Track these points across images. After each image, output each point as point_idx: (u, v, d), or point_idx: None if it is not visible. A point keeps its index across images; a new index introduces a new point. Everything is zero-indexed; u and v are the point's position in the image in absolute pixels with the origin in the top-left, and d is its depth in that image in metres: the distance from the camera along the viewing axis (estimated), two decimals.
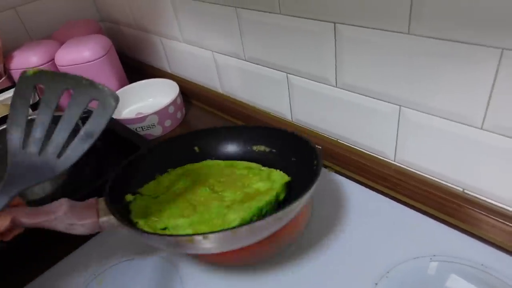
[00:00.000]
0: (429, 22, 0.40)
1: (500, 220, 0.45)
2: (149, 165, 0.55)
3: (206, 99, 0.82)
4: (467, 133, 0.44)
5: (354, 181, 0.57)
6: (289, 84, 0.62)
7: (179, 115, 0.79)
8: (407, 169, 0.53)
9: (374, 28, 0.46)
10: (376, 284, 0.43)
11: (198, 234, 0.38)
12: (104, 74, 0.81)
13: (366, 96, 0.52)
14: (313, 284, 0.45)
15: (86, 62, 0.77)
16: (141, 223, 0.45)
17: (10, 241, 0.40)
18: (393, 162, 0.55)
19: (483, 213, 0.46)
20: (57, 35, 0.90)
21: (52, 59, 0.80)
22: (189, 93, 0.85)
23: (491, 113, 0.41)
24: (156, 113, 0.73)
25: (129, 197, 0.50)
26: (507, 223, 0.45)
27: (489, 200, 0.47)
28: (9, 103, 0.75)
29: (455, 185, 0.49)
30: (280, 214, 0.39)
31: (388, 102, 0.50)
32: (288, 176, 0.52)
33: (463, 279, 0.43)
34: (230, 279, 0.47)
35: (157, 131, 0.76)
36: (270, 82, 0.65)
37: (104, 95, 0.33)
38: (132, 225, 0.45)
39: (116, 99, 0.32)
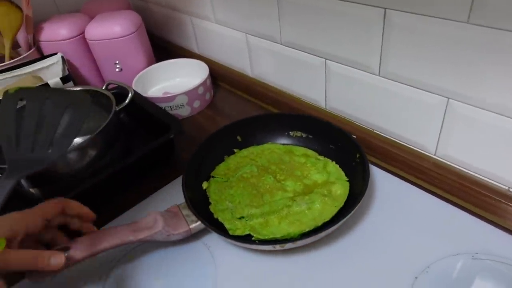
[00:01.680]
0: (492, 12, 0.38)
1: None
2: (218, 148, 0.61)
3: (234, 81, 0.81)
4: None
5: (389, 172, 0.56)
6: (326, 70, 0.61)
7: (207, 96, 0.78)
8: (448, 164, 0.52)
9: (428, 16, 0.44)
10: (416, 278, 0.43)
11: (287, 241, 0.45)
12: (133, 51, 0.80)
13: (411, 86, 0.50)
14: (354, 274, 0.44)
15: (116, 38, 0.76)
16: (221, 216, 0.51)
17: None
18: (432, 156, 0.53)
19: None
20: (86, 9, 0.89)
21: (82, 33, 0.79)
22: (217, 75, 0.84)
23: None
24: (185, 93, 0.72)
25: (205, 184, 0.56)
26: None
27: None
28: (39, 74, 0.74)
29: (500, 183, 0.48)
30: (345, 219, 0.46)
31: (435, 94, 0.48)
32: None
33: (505, 279, 0.42)
34: (263, 260, 0.47)
35: (185, 112, 0.75)
36: (306, 68, 0.64)
37: (78, 98, 0.40)
38: (218, 226, 0.50)
39: (89, 100, 0.40)
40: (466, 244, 0.45)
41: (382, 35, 0.50)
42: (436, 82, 0.47)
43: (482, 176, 0.49)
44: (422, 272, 0.43)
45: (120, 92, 0.67)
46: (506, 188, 0.47)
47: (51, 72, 0.77)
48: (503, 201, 0.47)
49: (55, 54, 0.76)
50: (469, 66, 0.43)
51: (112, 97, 0.61)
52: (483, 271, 0.42)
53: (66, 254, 0.41)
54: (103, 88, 0.66)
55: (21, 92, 0.38)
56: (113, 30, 0.76)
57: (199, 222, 0.48)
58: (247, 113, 0.74)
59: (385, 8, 0.47)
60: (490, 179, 0.49)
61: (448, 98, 0.47)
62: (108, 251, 0.45)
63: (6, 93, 0.37)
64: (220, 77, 0.84)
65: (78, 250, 0.43)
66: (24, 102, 0.38)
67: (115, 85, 0.69)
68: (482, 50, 0.41)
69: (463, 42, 0.42)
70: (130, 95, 0.63)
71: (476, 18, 0.40)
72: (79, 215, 0.43)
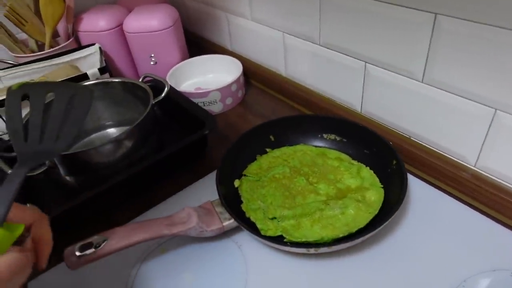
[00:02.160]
0: None
1: None
2: (251, 147, 0.61)
3: (267, 80, 0.81)
4: None
5: (425, 181, 0.55)
6: (365, 74, 0.60)
7: (240, 94, 0.78)
8: (488, 176, 0.51)
9: (480, 23, 0.42)
10: None
11: (322, 245, 0.45)
12: (169, 45, 0.81)
13: (457, 95, 0.49)
14: (385, 284, 0.44)
15: (154, 31, 0.77)
16: (253, 215, 0.51)
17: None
18: (472, 167, 0.52)
19: None
20: (123, 1, 0.90)
21: (119, 25, 0.80)
22: (249, 73, 0.84)
23: None
24: (219, 89, 0.73)
25: (237, 182, 0.56)
26: None
27: None
28: (76, 64, 0.76)
29: None
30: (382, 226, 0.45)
31: (482, 104, 0.47)
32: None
33: None
34: (294, 262, 0.47)
35: (218, 108, 0.75)
36: (344, 70, 0.63)
37: (80, 89, 0.40)
38: (249, 225, 0.50)
39: (91, 91, 0.40)
40: (505, 260, 0.44)
41: (430, 41, 0.48)
42: (483, 92, 0.46)
43: None
44: (458, 286, 0.42)
45: (155, 85, 0.67)
46: None
47: (88, 62, 0.78)
48: None
49: (93, 44, 0.78)
50: None
51: (149, 90, 0.62)
52: None
53: (104, 244, 0.42)
54: (140, 80, 0.66)
55: (24, 87, 0.38)
56: (150, 23, 0.77)
57: (232, 220, 0.48)
58: (279, 112, 0.74)
59: (435, 14, 0.46)
60: None
61: (496, 109, 0.46)
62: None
63: (9, 89, 0.38)
64: (252, 75, 0.84)
65: (115, 240, 0.43)
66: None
67: (150, 78, 0.69)
68: None
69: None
70: (166, 89, 0.64)
71: None
72: (38, 240, 0.33)
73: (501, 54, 0.42)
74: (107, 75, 0.74)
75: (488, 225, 0.48)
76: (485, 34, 0.43)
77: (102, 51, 0.77)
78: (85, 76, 0.69)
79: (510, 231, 0.47)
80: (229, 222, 0.48)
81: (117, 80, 0.66)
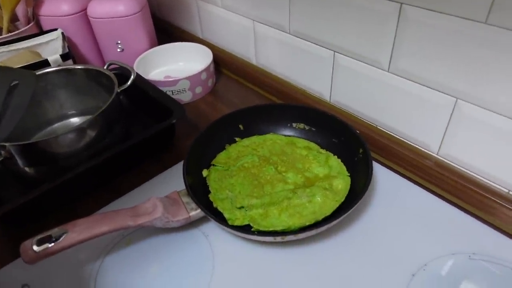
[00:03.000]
0: (511, 13, 0.38)
1: None
2: (220, 136, 0.60)
3: (237, 69, 0.80)
4: None
5: (390, 169, 0.56)
6: (334, 63, 0.60)
7: (210, 83, 0.76)
8: (450, 164, 0.52)
9: (446, 13, 0.43)
10: (413, 275, 0.43)
11: (288, 233, 0.45)
12: (136, 32, 0.78)
13: (420, 84, 0.50)
14: (351, 270, 0.44)
15: (120, 17, 0.74)
16: (221, 205, 0.51)
17: None
18: (435, 155, 0.54)
19: None
20: None
21: (84, 9, 0.77)
22: (220, 61, 0.82)
23: None
24: (188, 78, 0.71)
25: (205, 172, 0.56)
26: None
27: None
28: (37, 50, 0.72)
29: (501, 186, 0.48)
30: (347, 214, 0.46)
31: (444, 93, 0.48)
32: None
33: (501, 279, 0.42)
34: (261, 251, 0.47)
35: (187, 97, 0.74)
36: (314, 59, 0.63)
37: (23, 75, 0.38)
38: (217, 215, 0.49)
39: (35, 77, 0.38)
40: (463, 244, 0.45)
41: (396, 30, 0.49)
42: (446, 82, 0.47)
43: (483, 177, 0.49)
44: (419, 270, 0.43)
45: (121, 73, 0.65)
46: (506, 191, 0.48)
47: (50, 48, 0.75)
48: (503, 203, 0.47)
49: (55, 30, 0.74)
50: (482, 67, 0.43)
51: (114, 77, 0.60)
52: (479, 271, 0.43)
53: (64, 237, 0.41)
54: (105, 68, 0.64)
55: None
56: (116, 8, 0.74)
57: (199, 210, 0.48)
58: (249, 101, 0.74)
59: (401, 3, 0.47)
60: (491, 181, 0.49)
61: (457, 99, 0.47)
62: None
63: None
64: (223, 64, 0.83)
65: (76, 233, 0.42)
66: None
67: (116, 66, 0.67)
68: (498, 52, 0.41)
69: (479, 43, 0.42)
70: (132, 76, 0.62)
71: (494, 19, 0.40)
72: None
73: (464, 44, 0.43)
74: (70, 61, 0.71)
75: (449, 210, 0.50)
76: (449, 25, 0.43)
77: (65, 37, 0.74)
78: (46, 63, 0.65)
79: (470, 216, 0.49)
80: (196, 212, 0.48)
81: (80, 67, 0.63)
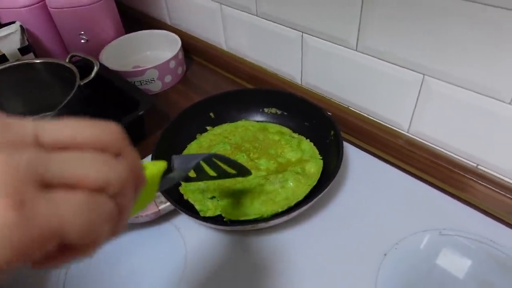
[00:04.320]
0: None
1: (511, 196, 0.45)
2: (190, 125, 0.58)
3: (208, 55, 0.78)
4: (493, 108, 0.42)
5: (363, 150, 0.56)
6: (303, 45, 0.59)
7: (179, 71, 0.74)
8: (420, 141, 0.52)
9: None
10: (385, 254, 0.43)
11: (259, 221, 0.44)
12: (100, 21, 0.75)
13: (388, 62, 0.49)
14: (324, 253, 0.44)
15: (82, 6, 0.71)
16: (191, 197, 0.49)
17: None
18: (405, 133, 0.53)
19: (495, 189, 0.46)
20: None
21: (43, 0, 0.73)
22: (190, 48, 0.80)
23: None
24: (156, 67, 0.69)
25: None
26: None
27: (502, 177, 0.46)
28: None
29: (469, 160, 0.48)
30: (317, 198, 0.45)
31: (412, 70, 0.47)
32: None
33: (472, 253, 0.43)
34: (235, 240, 0.46)
35: (156, 87, 0.71)
36: (283, 41, 0.61)
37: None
38: (188, 208, 0.48)
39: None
40: (434, 220, 0.46)
41: (361, 9, 0.48)
42: (412, 58, 0.46)
43: (453, 153, 0.50)
44: (391, 249, 0.44)
45: (86, 65, 0.63)
46: (475, 165, 0.48)
47: (9, 42, 0.71)
48: (472, 177, 0.47)
49: (13, 22, 0.71)
50: (445, 42, 0.42)
51: (75, 70, 0.57)
52: (450, 246, 0.43)
53: None
54: (66, 60, 0.61)
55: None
56: None
57: (168, 203, 0.47)
58: (222, 88, 0.72)
59: None
60: (459, 156, 0.49)
61: (424, 75, 0.46)
62: None
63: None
64: (193, 51, 0.80)
65: None
66: None
67: (79, 58, 0.64)
68: (459, 25, 0.40)
69: (443, 16, 0.41)
70: (95, 68, 0.59)
71: None
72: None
73: (428, 20, 0.42)
74: (31, 55, 0.68)
75: (421, 188, 0.50)
76: (413, 0, 0.42)
77: (24, 30, 0.70)
78: (3, 58, 0.62)
79: (440, 192, 0.49)
80: (165, 206, 0.47)
81: (39, 61, 0.61)
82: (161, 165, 0.29)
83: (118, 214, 0.18)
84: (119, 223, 0.19)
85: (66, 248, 0.17)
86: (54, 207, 0.15)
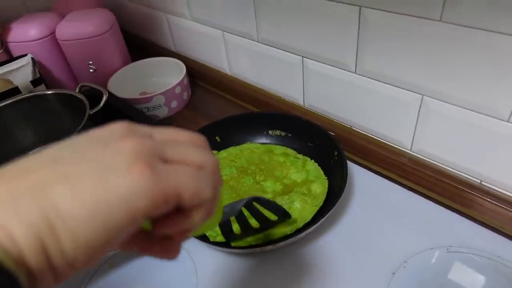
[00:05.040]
0: (463, 10, 0.39)
1: None
2: None
3: (212, 80, 0.80)
4: (492, 125, 0.43)
5: (367, 168, 0.57)
6: (304, 68, 0.60)
7: (185, 96, 0.76)
8: (424, 159, 0.53)
9: (402, 14, 0.44)
10: (394, 273, 0.44)
11: (267, 245, 0.45)
12: (107, 51, 0.78)
13: (387, 83, 0.51)
14: (333, 273, 0.45)
15: (89, 37, 0.74)
16: None
17: None
18: (409, 152, 0.54)
19: (501, 205, 0.47)
20: (56, 8, 0.86)
21: (52, 33, 0.76)
22: (195, 74, 0.83)
23: None
24: (162, 93, 0.71)
25: None
26: None
27: (506, 192, 0.47)
28: (9, 78, 0.71)
29: (473, 177, 0.49)
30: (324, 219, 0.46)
31: (410, 91, 0.49)
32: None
33: (478, 269, 0.43)
34: (244, 262, 0.47)
35: (163, 112, 0.73)
36: (284, 66, 0.63)
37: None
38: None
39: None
40: (441, 237, 0.46)
41: (358, 33, 0.50)
42: (410, 79, 0.48)
43: (456, 170, 0.50)
44: (399, 268, 0.44)
45: (95, 94, 0.65)
46: (479, 181, 0.49)
47: (21, 74, 0.74)
48: (476, 194, 0.48)
49: (25, 55, 0.74)
50: (441, 63, 0.44)
51: (85, 100, 0.59)
52: (457, 263, 0.44)
53: None
54: (76, 91, 0.64)
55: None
56: (85, 29, 0.74)
57: None
58: (227, 112, 0.73)
59: (360, 6, 0.47)
60: (463, 173, 0.50)
61: (422, 95, 0.48)
62: None
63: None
64: (198, 76, 0.83)
65: None
66: None
67: (88, 87, 0.67)
68: (454, 48, 0.42)
69: (436, 40, 0.43)
70: (104, 97, 0.62)
71: (448, 16, 0.41)
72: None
73: (422, 42, 0.44)
74: (42, 86, 0.70)
75: (426, 205, 0.51)
76: (406, 25, 0.44)
77: (35, 62, 0.73)
78: (16, 90, 0.65)
79: (446, 209, 0.50)
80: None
81: (50, 92, 0.63)
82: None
83: (214, 192, 0.23)
84: (214, 201, 0.24)
85: (180, 214, 0.22)
86: (173, 173, 0.21)
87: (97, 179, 0.19)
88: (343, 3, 0.49)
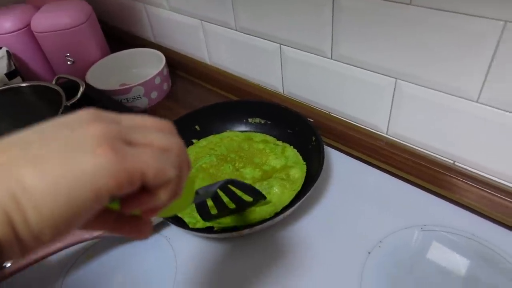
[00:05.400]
0: None
1: (488, 190, 0.47)
2: None
3: (193, 70, 0.79)
4: (462, 106, 0.44)
5: (346, 154, 0.57)
6: (282, 56, 0.61)
7: (165, 86, 0.76)
8: (399, 142, 0.54)
9: None
10: (369, 253, 0.44)
11: (244, 228, 0.45)
12: (85, 42, 0.77)
13: (362, 68, 0.51)
14: (311, 255, 0.45)
15: (66, 29, 0.73)
16: None
17: None
18: (385, 135, 0.55)
19: (473, 184, 0.48)
20: (32, 0, 0.84)
21: (28, 25, 0.75)
22: (175, 64, 0.82)
23: (488, 87, 0.41)
24: (141, 84, 0.71)
25: None
26: (496, 194, 0.46)
27: (479, 172, 0.48)
28: None
29: (446, 158, 0.50)
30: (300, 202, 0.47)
31: (384, 75, 0.49)
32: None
33: (452, 247, 0.44)
34: (222, 248, 0.47)
35: (143, 103, 0.73)
36: (262, 54, 0.63)
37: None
38: (178, 217, 0.49)
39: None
40: (415, 217, 0.47)
41: (332, 19, 0.50)
42: (384, 64, 0.48)
43: (431, 152, 0.51)
44: (375, 247, 0.45)
45: (73, 86, 0.64)
46: (452, 162, 0.50)
47: None
48: (449, 174, 0.49)
49: (0, 48, 0.72)
50: (413, 47, 0.44)
51: (61, 91, 0.59)
52: (431, 241, 0.45)
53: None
54: (53, 83, 0.63)
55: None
56: (60, 20, 0.72)
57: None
58: (208, 102, 0.73)
59: None
60: (437, 154, 0.51)
61: (396, 79, 0.49)
62: (67, 250, 0.44)
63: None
64: (178, 66, 0.82)
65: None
66: None
67: (66, 79, 0.66)
68: (424, 31, 0.42)
69: (407, 24, 0.43)
70: (81, 88, 0.61)
71: (417, 0, 0.41)
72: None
73: (395, 27, 0.44)
74: (18, 79, 0.69)
75: (402, 187, 0.52)
76: (378, 9, 0.45)
77: (10, 55, 0.72)
78: None
79: (421, 190, 0.51)
80: (153, 218, 0.48)
81: (26, 84, 0.62)
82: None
83: (179, 173, 0.24)
84: (180, 181, 0.25)
85: (146, 193, 0.23)
86: (137, 154, 0.22)
87: (63, 158, 0.20)
88: None
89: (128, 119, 0.24)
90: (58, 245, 0.42)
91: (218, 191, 0.45)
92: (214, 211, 0.47)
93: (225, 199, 0.46)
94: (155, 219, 0.48)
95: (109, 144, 0.21)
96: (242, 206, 0.48)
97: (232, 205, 0.47)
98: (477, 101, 0.43)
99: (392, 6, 0.43)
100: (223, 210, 0.47)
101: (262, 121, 0.62)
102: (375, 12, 0.45)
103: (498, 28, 0.37)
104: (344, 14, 0.48)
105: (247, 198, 0.47)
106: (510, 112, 0.41)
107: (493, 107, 0.42)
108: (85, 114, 0.22)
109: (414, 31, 0.43)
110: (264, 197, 0.48)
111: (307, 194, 0.47)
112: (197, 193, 0.40)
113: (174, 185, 0.24)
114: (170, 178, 0.23)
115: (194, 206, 0.50)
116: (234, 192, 0.46)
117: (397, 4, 0.43)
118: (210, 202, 0.47)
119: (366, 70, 0.51)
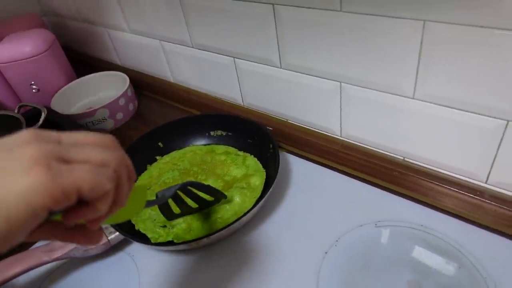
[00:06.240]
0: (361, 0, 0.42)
1: (436, 183, 0.49)
2: (139, 158, 0.60)
3: (158, 89, 0.81)
4: (400, 103, 0.46)
5: (304, 158, 0.59)
6: (237, 69, 0.63)
7: (131, 107, 0.77)
8: (353, 143, 0.56)
9: (309, 8, 0.47)
10: (326, 252, 0.46)
11: (202, 238, 0.45)
12: (48, 70, 0.78)
13: (309, 75, 0.53)
14: (266, 257, 0.46)
15: (28, 58, 0.74)
16: (142, 226, 0.51)
17: None
18: (339, 138, 0.57)
19: (422, 178, 0.50)
20: None
21: None
22: (141, 84, 0.84)
23: (421, 83, 0.43)
24: (106, 106, 0.72)
25: None
26: (443, 185, 0.48)
27: (427, 166, 0.50)
28: None
29: (396, 154, 0.52)
30: (259, 206, 0.48)
31: (330, 80, 0.51)
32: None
33: (406, 240, 0.46)
34: (185, 260, 0.48)
35: (109, 125, 0.74)
36: (220, 68, 0.65)
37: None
38: (141, 234, 0.51)
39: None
40: (369, 214, 0.49)
41: (276, 30, 0.52)
42: (327, 69, 0.51)
43: (381, 150, 0.53)
44: (331, 247, 0.46)
45: (38, 113, 0.65)
46: (402, 158, 0.52)
47: None
48: (400, 170, 0.51)
49: None
50: (350, 51, 0.47)
51: (22, 119, 0.60)
52: (385, 236, 0.46)
53: None
54: (15, 111, 0.64)
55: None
56: (22, 50, 0.74)
57: (117, 233, 0.48)
58: (171, 118, 0.75)
59: (273, 4, 0.50)
60: (388, 152, 0.53)
61: (340, 82, 0.51)
62: (29, 274, 0.44)
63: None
64: (144, 86, 0.84)
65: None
66: None
67: (30, 107, 0.67)
68: (357, 35, 0.45)
69: (340, 29, 0.46)
70: (43, 115, 0.62)
71: (347, 6, 0.43)
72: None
73: (331, 33, 0.47)
74: None
75: (357, 186, 0.53)
76: (314, 17, 0.47)
77: None
78: None
79: (376, 188, 0.52)
80: (115, 235, 0.48)
81: None
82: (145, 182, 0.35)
83: (117, 186, 0.26)
84: (121, 192, 0.26)
85: (84, 205, 0.24)
86: (72, 170, 0.23)
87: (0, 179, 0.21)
88: (257, 2, 0.51)
89: (68, 137, 0.25)
90: (17, 269, 0.43)
91: (180, 193, 0.47)
92: (176, 210, 0.49)
93: (188, 200, 0.49)
94: (114, 238, 0.49)
95: (43, 164, 0.22)
96: (204, 205, 0.50)
97: (194, 205, 0.50)
98: (413, 98, 0.45)
99: (326, 14, 0.46)
100: (185, 209, 0.49)
101: (224, 133, 0.63)
102: (311, 21, 0.47)
103: (419, 28, 0.39)
104: (286, 26, 0.51)
105: (209, 198, 0.50)
106: (444, 106, 0.43)
107: (428, 102, 0.44)
108: (24, 134, 0.23)
109: (348, 36, 0.45)
110: (225, 196, 0.51)
111: (264, 199, 0.48)
112: (156, 196, 0.44)
113: (113, 196, 0.26)
114: (107, 191, 0.25)
115: (156, 222, 0.51)
116: (195, 193, 0.48)
117: (329, 12, 0.45)
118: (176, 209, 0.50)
119: (313, 76, 0.53)
